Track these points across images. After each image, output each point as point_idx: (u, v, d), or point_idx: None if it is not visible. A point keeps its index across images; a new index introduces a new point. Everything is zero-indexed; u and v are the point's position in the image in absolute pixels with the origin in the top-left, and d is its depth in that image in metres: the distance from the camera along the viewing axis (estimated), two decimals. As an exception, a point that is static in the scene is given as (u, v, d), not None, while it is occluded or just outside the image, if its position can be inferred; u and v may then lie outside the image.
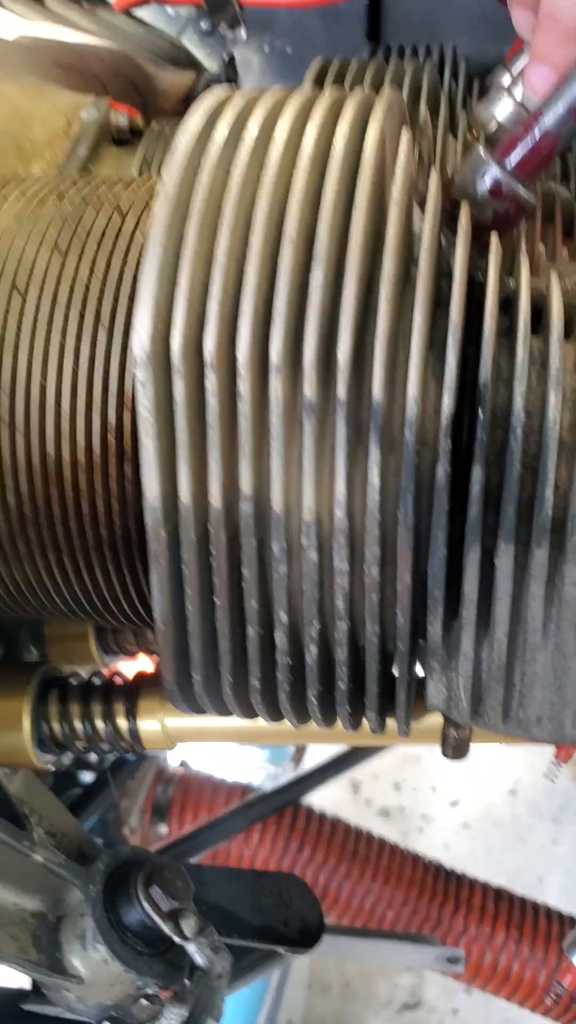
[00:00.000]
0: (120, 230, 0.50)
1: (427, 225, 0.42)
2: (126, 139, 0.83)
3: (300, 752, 2.11)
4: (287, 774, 1.68)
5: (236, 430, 0.43)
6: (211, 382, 0.42)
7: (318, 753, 1.80)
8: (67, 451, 0.49)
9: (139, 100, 1.05)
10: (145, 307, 0.41)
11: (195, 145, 0.45)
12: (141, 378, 0.42)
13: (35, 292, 0.48)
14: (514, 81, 0.76)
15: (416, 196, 0.48)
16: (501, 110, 0.75)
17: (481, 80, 1.04)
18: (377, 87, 0.75)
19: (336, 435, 0.42)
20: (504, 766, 3.45)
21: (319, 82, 0.76)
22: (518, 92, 0.74)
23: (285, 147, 0.44)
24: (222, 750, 2.00)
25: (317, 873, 1.56)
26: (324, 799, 1.96)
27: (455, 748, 0.49)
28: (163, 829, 1.58)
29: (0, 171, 0.73)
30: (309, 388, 0.41)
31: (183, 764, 1.74)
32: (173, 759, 1.73)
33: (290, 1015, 2.44)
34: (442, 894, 1.58)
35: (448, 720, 0.49)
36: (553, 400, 0.41)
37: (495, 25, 1.15)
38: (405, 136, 0.45)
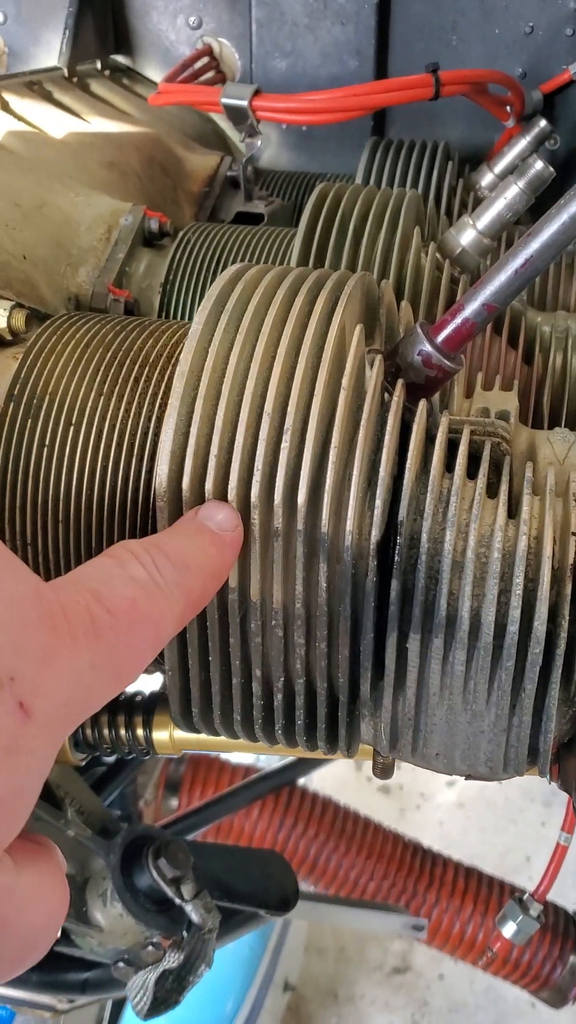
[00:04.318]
0: (147, 377, 0.65)
1: (367, 407, 0.58)
2: (157, 242, 0.98)
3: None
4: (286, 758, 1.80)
5: (226, 544, 0.58)
6: (209, 512, 0.58)
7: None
8: (105, 539, 0.65)
9: (169, 182, 1.18)
10: (163, 457, 0.57)
11: (204, 331, 0.60)
12: (160, 505, 0.58)
13: (84, 426, 0.64)
14: (478, 211, 0.90)
15: (369, 360, 0.63)
16: (465, 237, 0.89)
17: (472, 166, 1.17)
18: (365, 215, 0.90)
19: (297, 551, 0.57)
20: (502, 750, 3.59)
21: (318, 207, 0.90)
22: (480, 223, 0.89)
23: (267, 342, 0.59)
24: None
25: (308, 846, 1.67)
26: (328, 776, 2.09)
27: (383, 770, 0.65)
28: (174, 803, 1.70)
29: (56, 279, 0.88)
30: (278, 520, 0.56)
31: (193, 745, 1.88)
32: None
33: (287, 974, 2.52)
34: (418, 870, 1.69)
35: (376, 750, 0.65)
36: (449, 535, 0.57)
37: (486, 117, 1.29)
38: (358, 329, 0.60)
